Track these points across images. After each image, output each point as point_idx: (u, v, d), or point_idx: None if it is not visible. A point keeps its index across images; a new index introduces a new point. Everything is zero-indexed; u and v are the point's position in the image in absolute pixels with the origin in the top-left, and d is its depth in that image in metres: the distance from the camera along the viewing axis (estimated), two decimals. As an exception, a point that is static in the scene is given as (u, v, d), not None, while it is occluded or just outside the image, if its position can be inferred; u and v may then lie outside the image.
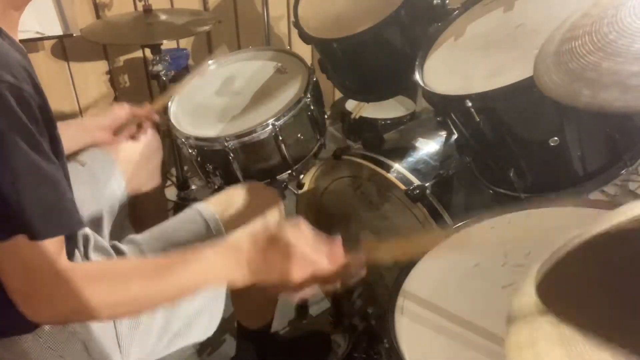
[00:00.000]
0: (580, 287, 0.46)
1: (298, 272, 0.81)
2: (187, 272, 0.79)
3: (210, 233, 1.07)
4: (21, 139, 0.67)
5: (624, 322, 0.42)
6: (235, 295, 1.23)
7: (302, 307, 1.49)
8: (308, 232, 0.85)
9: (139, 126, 1.32)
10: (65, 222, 0.73)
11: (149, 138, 1.37)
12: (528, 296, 0.47)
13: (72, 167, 1.21)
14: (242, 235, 0.85)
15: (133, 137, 1.31)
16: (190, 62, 2.11)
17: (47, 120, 0.74)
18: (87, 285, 0.73)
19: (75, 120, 1.25)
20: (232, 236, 0.86)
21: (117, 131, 1.28)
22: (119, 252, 1.00)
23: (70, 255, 0.91)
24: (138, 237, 1.05)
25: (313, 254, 0.82)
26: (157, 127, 1.38)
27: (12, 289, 0.71)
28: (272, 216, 1.17)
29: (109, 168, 1.25)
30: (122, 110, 1.29)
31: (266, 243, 0.83)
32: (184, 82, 1.51)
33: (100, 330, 0.91)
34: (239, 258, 0.82)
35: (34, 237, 0.69)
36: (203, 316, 1.05)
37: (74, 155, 1.24)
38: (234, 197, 1.16)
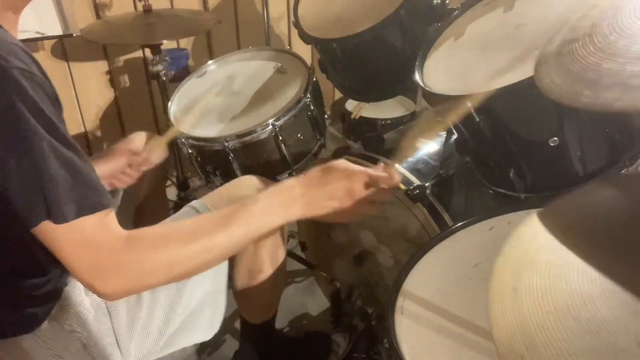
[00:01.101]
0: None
1: (359, 188, 0.88)
2: (247, 217, 0.83)
3: None
4: (39, 123, 0.67)
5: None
6: (239, 290, 1.23)
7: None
8: (352, 164, 0.92)
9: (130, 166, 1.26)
10: (100, 197, 0.73)
11: (152, 141, 1.36)
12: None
13: None
14: (289, 179, 0.91)
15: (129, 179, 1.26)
16: (190, 62, 2.11)
17: (57, 105, 0.74)
18: (155, 249, 0.76)
19: None
20: (280, 183, 0.91)
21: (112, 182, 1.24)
22: None
23: None
24: None
25: (366, 170, 0.90)
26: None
27: (80, 269, 0.72)
28: None
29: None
30: (122, 158, 1.23)
31: (322, 174, 0.89)
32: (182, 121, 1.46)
33: (99, 329, 0.91)
34: (291, 197, 0.88)
35: (75, 215, 0.69)
36: (204, 313, 1.05)
37: None
38: (231, 191, 1.16)
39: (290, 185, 0.89)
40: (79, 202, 0.70)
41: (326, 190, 0.88)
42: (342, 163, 0.90)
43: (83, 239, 0.71)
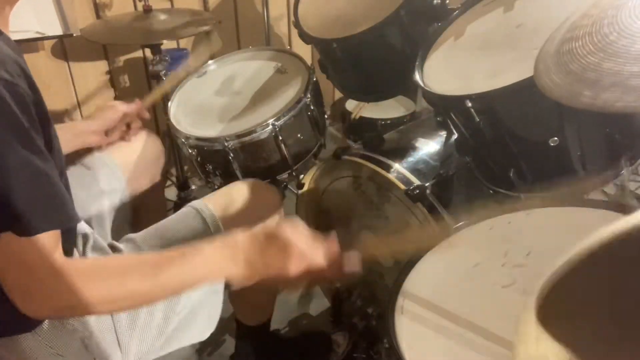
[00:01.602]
0: (583, 305, 0.46)
1: (295, 268, 0.83)
2: (184, 267, 0.80)
3: (207, 230, 1.07)
4: (14, 136, 0.67)
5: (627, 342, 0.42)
6: (234, 292, 1.23)
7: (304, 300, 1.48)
8: (304, 229, 0.87)
9: (128, 126, 1.33)
10: (57, 217, 0.73)
11: (151, 144, 1.37)
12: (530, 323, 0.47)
13: (77, 170, 1.23)
14: (240, 233, 0.86)
15: (123, 138, 1.32)
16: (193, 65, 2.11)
17: (42, 116, 0.74)
18: (84, 281, 0.74)
19: (66, 124, 1.27)
20: (230, 233, 0.87)
21: (109, 133, 1.29)
22: (116, 251, 1.01)
23: (68, 254, 0.91)
24: (135, 235, 1.05)
25: (309, 250, 0.84)
26: (151, 126, 1.38)
27: (8, 285, 0.72)
28: (271, 213, 1.17)
29: (111, 171, 1.26)
30: (112, 112, 1.29)
31: (264, 239, 0.84)
32: (172, 77, 1.50)
33: (100, 327, 0.91)
34: (236, 254, 0.83)
35: (26, 232, 0.69)
36: (202, 312, 1.05)
37: (79, 158, 1.25)
38: (233, 194, 1.16)
39: (237, 245, 0.85)
40: (44, 217, 0.70)
41: (264, 258, 0.84)
42: (287, 233, 0.84)
43: (22, 259, 0.70)
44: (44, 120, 0.75)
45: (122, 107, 1.31)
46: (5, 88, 0.66)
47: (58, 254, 0.74)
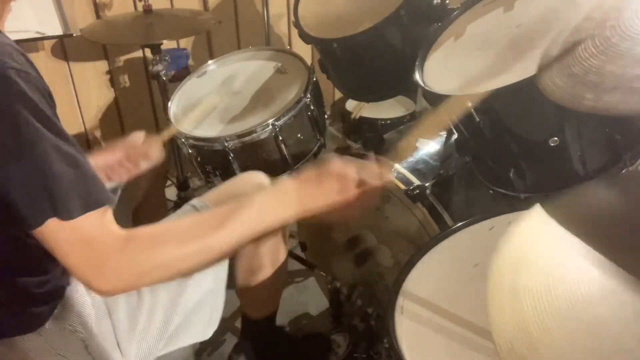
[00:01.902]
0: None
1: (349, 183, 0.88)
2: (244, 217, 0.83)
3: None
4: (40, 123, 0.67)
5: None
6: (241, 285, 1.23)
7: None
8: (340, 159, 0.91)
9: (135, 163, 1.25)
10: (94, 197, 0.73)
11: (151, 142, 1.36)
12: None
13: None
14: (286, 179, 0.91)
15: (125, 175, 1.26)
16: (190, 62, 2.11)
17: (52, 105, 0.74)
18: (152, 248, 0.76)
19: None
20: (279, 182, 0.92)
21: (109, 174, 1.23)
22: None
23: None
24: None
25: (355, 168, 0.89)
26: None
27: (77, 267, 0.72)
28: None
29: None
30: (114, 155, 1.23)
31: (315, 174, 0.89)
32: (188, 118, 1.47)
33: (100, 328, 0.91)
34: (288, 194, 0.87)
35: (69, 216, 0.69)
36: (203, 312, 1.05)
37: None
38: (231, 189, 1.16)
39: (286, 186, 0.89)
40: (84, 198, 0.71)
41: (319, 190, 0.88)
42: (334, 162, 0.90)
43: (81, 237, 0.71)
44: (53, 107, 0.75)
45: (125, 148, 1.24)
46: (19, 76, 0.67)
47: (115, 227, 0.75)
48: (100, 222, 0.73)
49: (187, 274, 0.89)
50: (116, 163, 1.22)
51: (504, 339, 0.49)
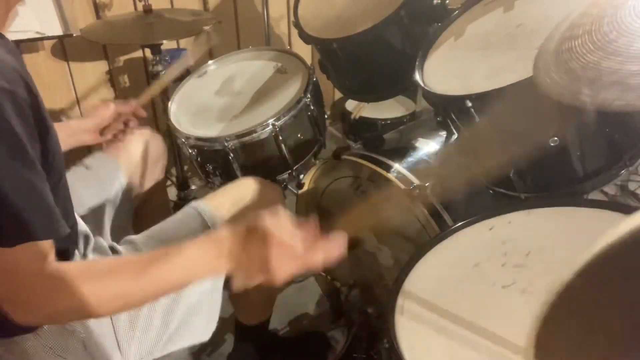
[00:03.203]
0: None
1: (277, 259, 0.81)
2: (169, 266, 0.79)
3: (207, 230, 1.07)
4: (5, 147, 0.66)
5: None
6: (234, 292, 1.23)
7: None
8: (285, 218, 0.85)
9: (126, 124, 1.31)
10: (42, 228, 0.71)
11: (153, 141, 1.37)
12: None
13: (77, 170, 1.23)
14: (224, 227, 0.85)
15: (117, 137, 1.31)
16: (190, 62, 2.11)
17: (41, 122, 0.74)
18: (74, 284, 0.73)
19: (59, 123, 1.25)
20: (215, 230, 0.87)
21: (103, 131, 1.28)
22: (116, 253, 1.01)
23: (70, 255, 0.91)
24: (135, 237, 1.05)
25: (289, 239, 0.83)
26: (144, 122, 1.36)
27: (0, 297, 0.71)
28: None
29: (112, 171, 1.26)
30: (107, 110, 1.28)
31: (245, 232, 0.83)
32: (168, 72, 1.48)
33: (99, 330, 0.91)
34: (220, 249, 0.82)
35: (6, 243, 0.68)
36: (200, 313, 1.05)
37: (80, 159, 1.25)
38: (234, 192, 1.16)
39: (220, 239, 0.83)
40: (24, 229, 0.69)
41: (246, 251, 0.82)
42: (266, 223, 0.82)
43: (5, 267, 0.70)
44: (43, 125, 0.75)
45: (115, 106, 1.30)
46: (3, 95, 0.66)
47: (48, 261, 0.73)
48: (31, 254, 0.71)
49: (107, 315, 0.88)
50: (106, 120, 1.26)
51: None
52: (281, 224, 0.84)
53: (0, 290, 0.71)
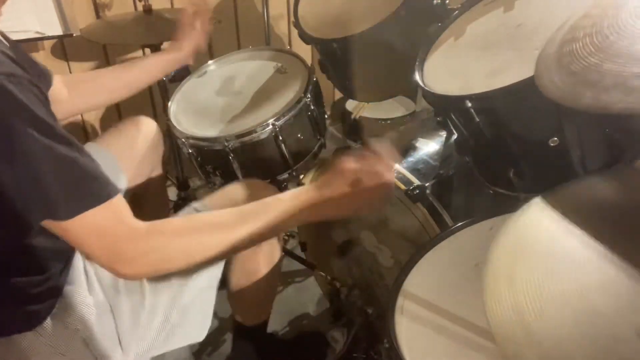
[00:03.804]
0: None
1: (357, 182, 0.91)
2: (267, 216, 0.87)
3: None
4: (31, 126, 0.68)
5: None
6: (232, 292, 1.23)
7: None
8: (350, 158, 0.94)
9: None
10: (96, 192, 0.75)
11: (149, 129, 1.37)
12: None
13: None
14: (308, 186, 0.94)
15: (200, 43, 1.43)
16: (191, 62, 2.11)
17: (47, 105, 0.75)
18: (175, 238, 0.80)
19: (151, 58, 1.45)
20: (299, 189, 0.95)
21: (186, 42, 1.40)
22: None
23: (71, 251, 0.92)
24: None
25: (366, 166, 0.92)
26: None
27: (98, 257, 0.76)
28: None
29: (109, 164, 1.25)
30: (185, 17, 1.39)
31: (327, 178, 0.93)
32: None
33: (101, 327, 0.92)
34: (309, 199, 0.91)
35: (63, 217, 0.71)
36: (195, 312, 1.05)
37: None
38: (233, 194, 1.16)
39: (307, 190, 0.92)
40: (78, 199, 0.72)
41: (331, 196, 0.91)
42: (338, 165, 0.92)
43: (95, 231, 0.74)
44: (48, 106, 0.76)
45: (189, 11, 1.39)
46: (9, 81, 0.67)
47: (128, 217, 0.78)
48: (109, 214, 0.75)
49: (210, 262, 0.93)
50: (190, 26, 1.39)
51: (500, 328, 0.49)
52: (352, 160, 0.93)
53: (101, 253, 0.76)
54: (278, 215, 0.88)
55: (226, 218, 0.87)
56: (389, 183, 0.94)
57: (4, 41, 0.79)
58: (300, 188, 0.94)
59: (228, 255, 0.88)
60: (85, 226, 0.73)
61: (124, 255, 0.77)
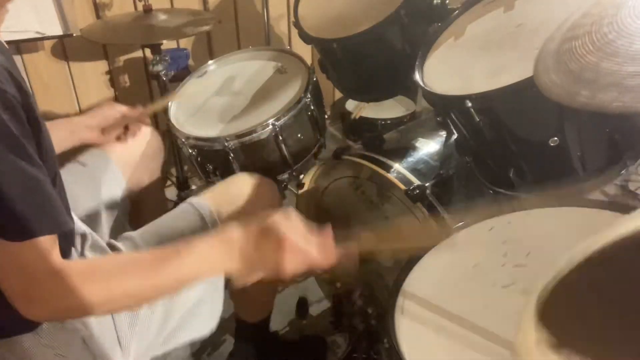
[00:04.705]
0: (584, 307, 0.46)
1: (289, 262, 0.83)
2: (180, 265, 0.81)
3: (205, 226, 1.07)
4: (2, 143, 0.67)
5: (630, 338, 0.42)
6: (233, 289, 1.23)
7: (303, 306, 1.49)
8: (299, 222, 0.87)
9: (126, 128, 1.31)
10: (48, 222, 0.73)
11: (150, 138, 1.37)
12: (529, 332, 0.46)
13: (72, 167, 1.22)
14: (235, 227, 0.86)
15: (120, 138, 1.30)
16: (190, 62, 2.11)
17: (33, 120, 0.74)
18: (82, 282, 0.74)
19: (62, 120, 1.23)
20: (225, 228, 0.87)
21: (106, 131, 1.27)
22: (114, 250, 1.01)
23: (67, 254, 0.91)
24: (133, 233, 1.05)
25: (303, 244, 0.85)
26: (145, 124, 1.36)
27: (8, 290, 0.72)
28: (269, 207, 1.17)
29: (108, 168, 1.25)
30: (112, 110, 1.28)
31: (258, 233, 0.84)
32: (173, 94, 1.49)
33: (100, 327, 0.91)
34: (231, 249, 0.83)
35: (17, 237, 0.69)
36: (203, 308, 1.05)
37: (75, 155, 1.24)
38: (230, 188, 1.16)
39: (231, 239, 0.84)
40: (34, 223, 0.70)
41: (259, 252, 0.84)
42: (280, 226, 0.84)
43: (18, 263, 0.71)
44: (35, 124, 0.75)
45: (121, 108, 1.30)
46: None
47: (55, 256, 0.74)
48: (41, 249, 0.72)
49: (119, 311, 0.89)
50: (112, 119, 1.26)
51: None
52: (295, 228, 0.85)
53: (12, 284, 0.72)
54: (192, 265, 0.81)
55: (139, 264, 0.81)
56: (317, 266, 0.87)
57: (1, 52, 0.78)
58: (224, 232, 0.86)
59: (143, 303, 0.85)
60: (15, 256, 0.70)
61: (32, 296, 0.73)
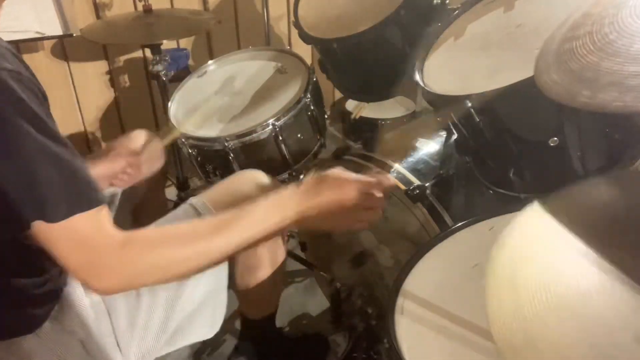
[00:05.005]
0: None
1: (350, 193, 0.88)
2: (243, 224, 0.84)
3: None
4: (27, 123, 0.67)
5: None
6: (239, 284, 1.23)
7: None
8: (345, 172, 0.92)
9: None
10: (81, 200, 0.73)
11: (151, 142, 1.36)
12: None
13: None
14: (289, 187, 0.91)
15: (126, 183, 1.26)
16: (190, 62, 2.11)
17: (46, 105, 0.74)
18: (151, 251, 0.77)
19: None
20: (281, 190, 0.92)
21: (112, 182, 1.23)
22: None
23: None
24: None
25: (357, 176, 0.91)
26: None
27: (75, 268, 0.73)
28: None
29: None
30: (118, 164, 1.22)
31: (314, 182, 0.90)
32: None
33: (99, 330, 0.91)
34: (289, 204, 0.88)
35: (55, 218, 0.70)
36: (205, 312, 1.05)
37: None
38: (229, 187, 1.16)
39: (288, 194, 0.89)
40: (71, 201, 0.71)
41: (318, 202, 0.88)
42: (334, 173, 0.90)
43: (77, 238, 0.72)
44: (47, 106, 0.75)
45: (125, 158, 1.23)
46: (11, 77, 0.67)
47: (111, 226, 0.75)
48: (93, 222, 0.73)
49: (186, 276, 0.90)
50: (119, 170, 1.22)
51: (501, 332, 0.49)
52: (345, 171, 0.91)
53: (79, 263, 0.73)
54: (255, 223, 0.85)
55: (201, 228, 0.84)
56: (379, 209, 0.92)
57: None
58: (282, 193, 0.90)
59: (205, 268, 0.86)
60: (70, 232, 0.71)
61: (100, 269, 0.74)
